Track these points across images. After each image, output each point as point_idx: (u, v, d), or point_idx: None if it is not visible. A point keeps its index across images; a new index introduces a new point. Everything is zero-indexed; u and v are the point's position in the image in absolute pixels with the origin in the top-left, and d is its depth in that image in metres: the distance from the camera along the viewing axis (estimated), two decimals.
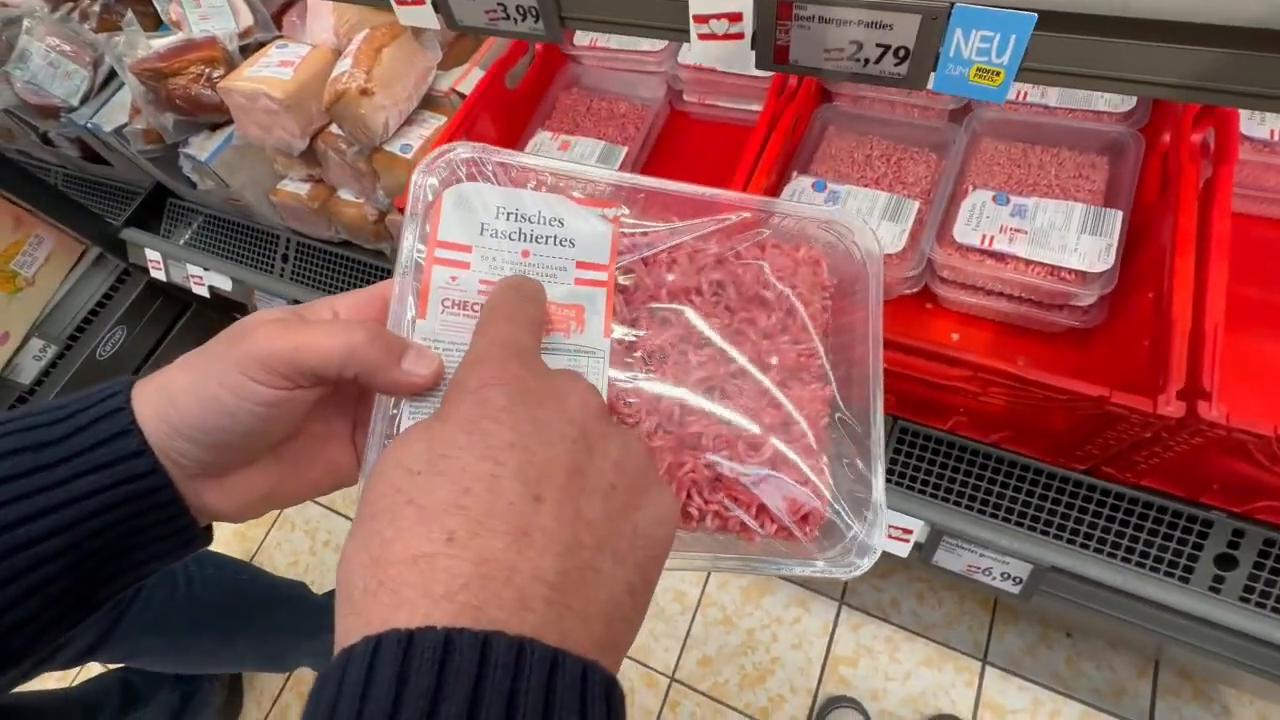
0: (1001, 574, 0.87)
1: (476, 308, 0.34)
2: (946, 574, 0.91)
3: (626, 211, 0.38)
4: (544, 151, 1.07)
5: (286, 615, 1.30)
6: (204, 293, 1.40)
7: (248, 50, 1.15)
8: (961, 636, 1.37)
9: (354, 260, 1.28)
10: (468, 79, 1.12)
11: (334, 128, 1.09)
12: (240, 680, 1.55)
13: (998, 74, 0.42)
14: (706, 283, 0.38)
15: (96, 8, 1.33)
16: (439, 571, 0.23)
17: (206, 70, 1.11)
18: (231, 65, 1.13)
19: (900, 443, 0.92)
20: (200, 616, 1.16)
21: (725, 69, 1.02)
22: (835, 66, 0.47)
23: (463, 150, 0.36)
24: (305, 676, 1.55)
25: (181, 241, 1.48)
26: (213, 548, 0.42)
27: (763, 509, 0.36)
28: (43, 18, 1.29)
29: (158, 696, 1.35)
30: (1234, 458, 0.70)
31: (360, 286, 0.36)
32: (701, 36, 0.48)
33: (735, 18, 0.46)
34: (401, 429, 0.32)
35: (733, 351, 0.37)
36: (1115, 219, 0.79)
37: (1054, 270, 0.79)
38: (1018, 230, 0.81)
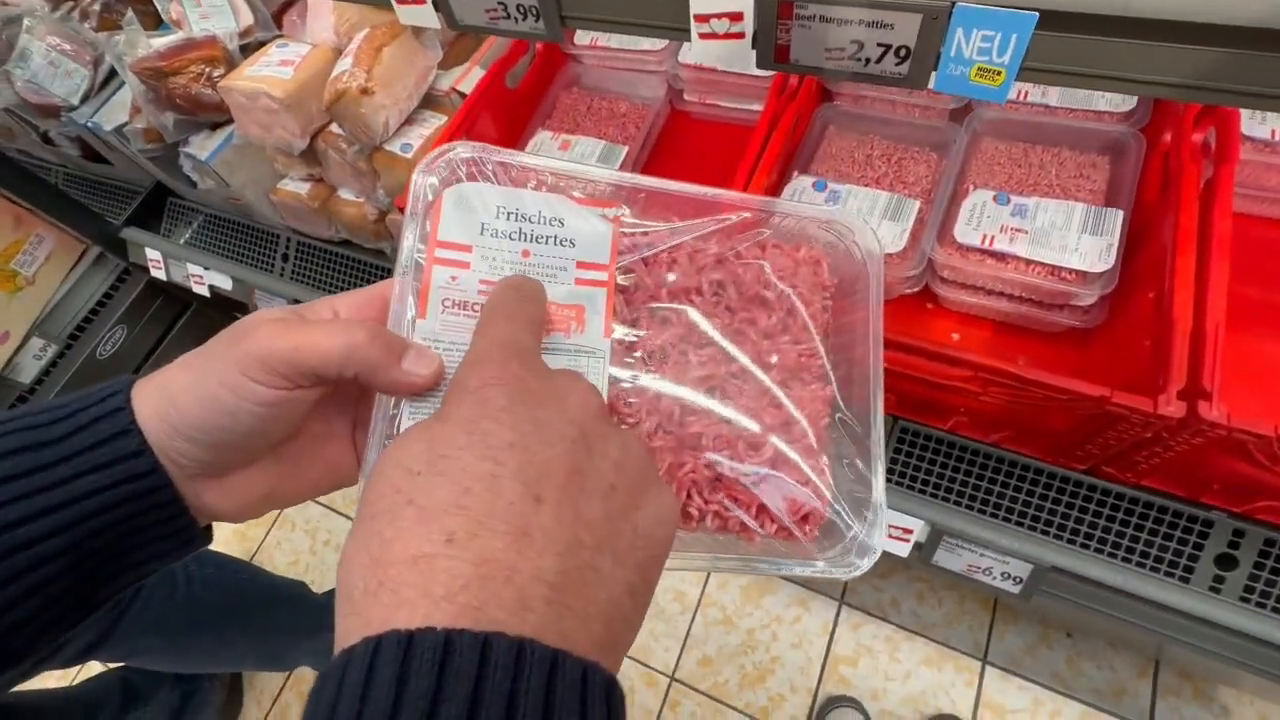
0: (1002, 574, 0.87)
1: (477, 307, 0.34)
2: (947, 574, 0.91)
3: (627, 211, 0.38)
4: (544, 151, 1.07)
5: (286, 614, 1.30)
6: (204, 292, 1.40)
7: (248, 49, 1.15)
8: (961, 636, 1.37)
9: (354, 260, 1.28)
10: (468, 78, 1.11)
11: (334, 127, 1.09)
12: (240, 679, 1.55)
13: (999, 73, 0.42)
14: (707, 283, 0.38)
15: (97, 7, 1.33)
16: (439, 572, 0.23)
17: (207, 69, 1.11)
18: (232, 64, 1.12)
19: (901, 442, 0.92)
20: (200, 616, 1.16)
21: (726, 68, 1.02)
22: (836, 66, 0.47)
23: (463, 150, 0.36)
24: (305, 676, 1.55)
25: (182, 241, 1.48)
26: (213, 547, 0.42)
27: (763, 509, 0.36)
28: (43, 17, 1.29)
29: (158, 695, 1.35)
30: (1234, 458, 0.70)
31: (360, 286, 0.36)
32: (702, 36, 0.48)
33: (736, 17, 0.46)
34: (402, 429, 0.32)
35: (733, 351, 0.37)
36: (1116, 219, 0.79)
37: (1055, 270, 0.79)
38: (1018, 230, 0.81)
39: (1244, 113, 0.77)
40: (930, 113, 0.97)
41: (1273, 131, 0.78)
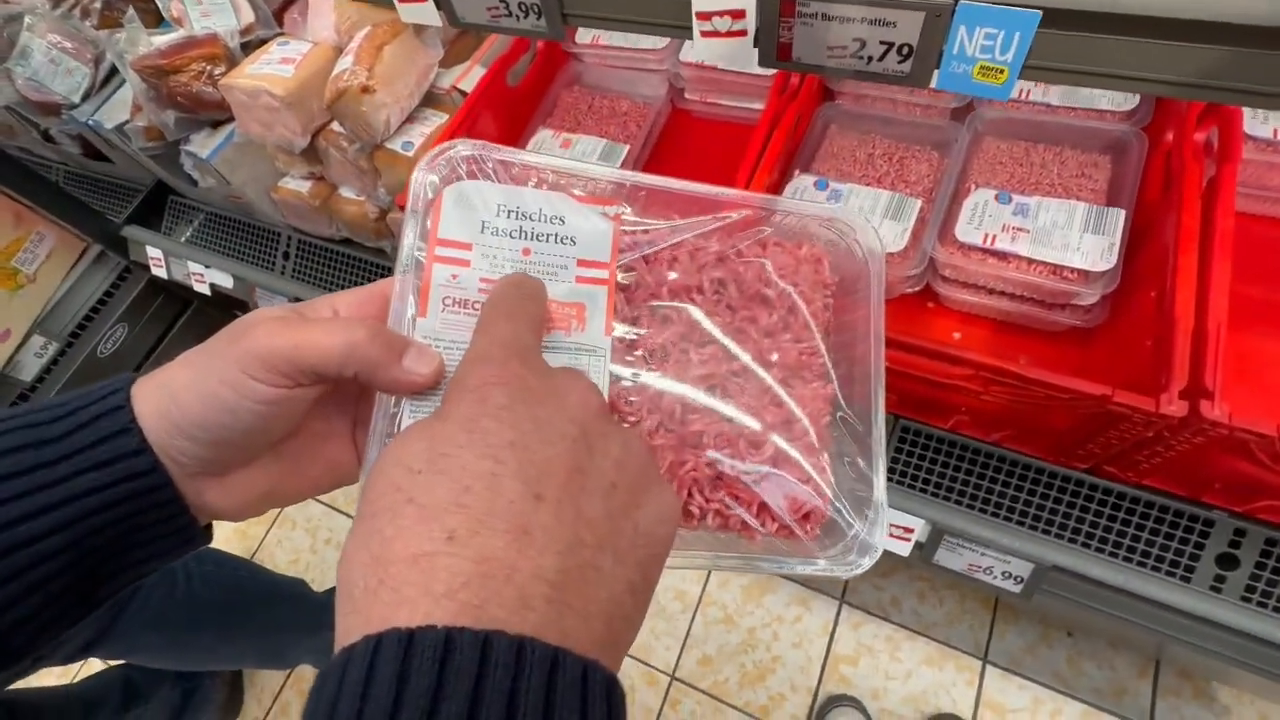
0: (1003, 573, 0.87)
1: (477, 306, 0.34)
2: (948, 573, 0.91)
3: (628, 209, 0.38)
4: (545, 149, 1.07)
5: (287, 612, 1.30)
6: (205, 290, 1.40)
7: (249, 47, 1.15)
8: (962, 635, 1.37)
9: (355, 258, 1.28)
10: (469, 76, 1.11)
11: (335, 125, 1.09)
12: (241, 677, 1.55)
13: (1001, 72, 0.42)
14: (708, 281, 0.38)
15: (98, 4, 1.33)
16: (439, 570, 0.23)
17: (208, 67, 1.11)
18: (233, 62, 1.12)
19: (902, 441, 0.92)
20: (200, 613, 1.16)
21: (728, 66, 1.02)
22: (838, 64, 0.47)
23: (463, 148, 0.36)
24: (306, 674, 1.55)
25: (182, 239, 1.48)
26: (213, 545, 0.42)
27: (764, 507, 0.36)
28: (44, 14, 1.29)
29: (158, 693, 1.35)
30: (1236, 457, 0.69)
31: (361, 284, 0.36)
32: (704, 34, 0.48)
33: (738, 14, 0.46)
34: (402, 427, 0.32)
35: (734, 349, 0.37)
36: (1118, 218, 0.79)
37: (1056, 269, 0.79)
38: (1020, 229, 0.81)
39: (1246, 112, 0.76)
40: (932, 112, 0.96)
41: (1275, 131, 0.78)
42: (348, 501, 1.75)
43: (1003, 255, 0.81)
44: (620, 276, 0.37)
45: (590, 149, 1.04)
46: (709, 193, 0.39)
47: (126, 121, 1.23)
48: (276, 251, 1.36)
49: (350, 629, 0.23)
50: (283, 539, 1.74)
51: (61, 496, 0.29)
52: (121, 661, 1.34)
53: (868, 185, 0.92)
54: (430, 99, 1.13)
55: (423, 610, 0.22)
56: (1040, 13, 0.39)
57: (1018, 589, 0.87)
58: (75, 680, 1.36)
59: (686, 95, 1.12)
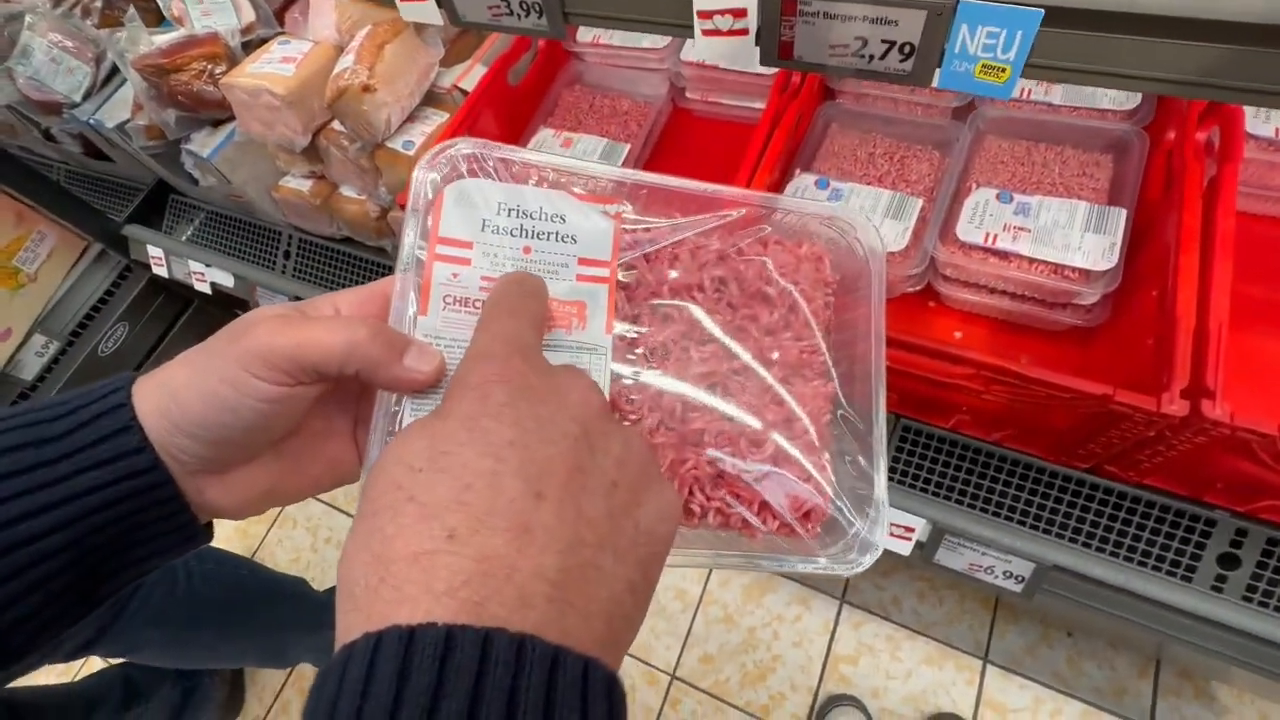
0: (1004, 572, 0.87)
1: (478, 304, 0.34)
2: (948, 572, 0.90)
3: (628, 207, 0.38)
4: (546, 148, 1.07)
5: (287, 611, 1.30)
6: (206, 289, 1.40)
7: (250, 46, 1.15)
8: (963, 635, 1.37)
9: (356, 257, 1.28)
10: (470, 76, 1.11)
11: (336, 124, 1.08)
12: (242, 676, 1.55)
13: (1003, 70, 0.42)
14: (709, 279, 0.38)
15: (99, 3, 1.33)
16: (440, 568, 0.23)
17: (209, 66, 1.11)
18: (234, 61, 1.12)
19: (903, 441, 0.92)
20: (200, 612, 1.16)
21: (729, 65, 1.02)
22: (840, 62, 0.47)
23: (464, 146, 0.36)
24: (307, 672, 1.56)
25: (183, 238, 1.48)
26: (214, 544, 0.42)
27: (765, 506, 0.36)
28: (45, 13, 1.29)
29: (159, 692, 1.35)
30: (1237, 457, 0.69)
31: (362, 283, 0.36)
32: (706, 32, 0.48)
33: (740, 13, 0.46)
34: (403, 426, 0.32)
35: (735, 348, 0.37)
36: (1119, 217, 0.79)
37: (1057, 268, 0.79)
38: (1021, 228, 0.81)
39: (1248, 111, 0.76)
40: (933, 111, 0.96)
41: (1277, 130, 0.78)
42: (348, 500, 1.75)
43: (1004, 254, 0.81)
44: (621, 275, 0.37)
45: (591, 148, 1.04)
46: (710, 191, 0.39)
47: (127, 120, 1.23)
48: (277, 250, 1.36)
49: (351, 627, 0.23)
50: (283, 538, 1.74)
51: (62, 495, 0.29)
52: (122, 660, 1.34)
53: (869, 184, 0.92)
54: (431, 98, 1.13)
55: (423, 608, 0.22)
56: (1043, 11, 0.39)
57: (1019, 588, 0.87)
58: (76, 679, 1.36)
59: (687, 94, 1.11)
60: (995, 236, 0.81)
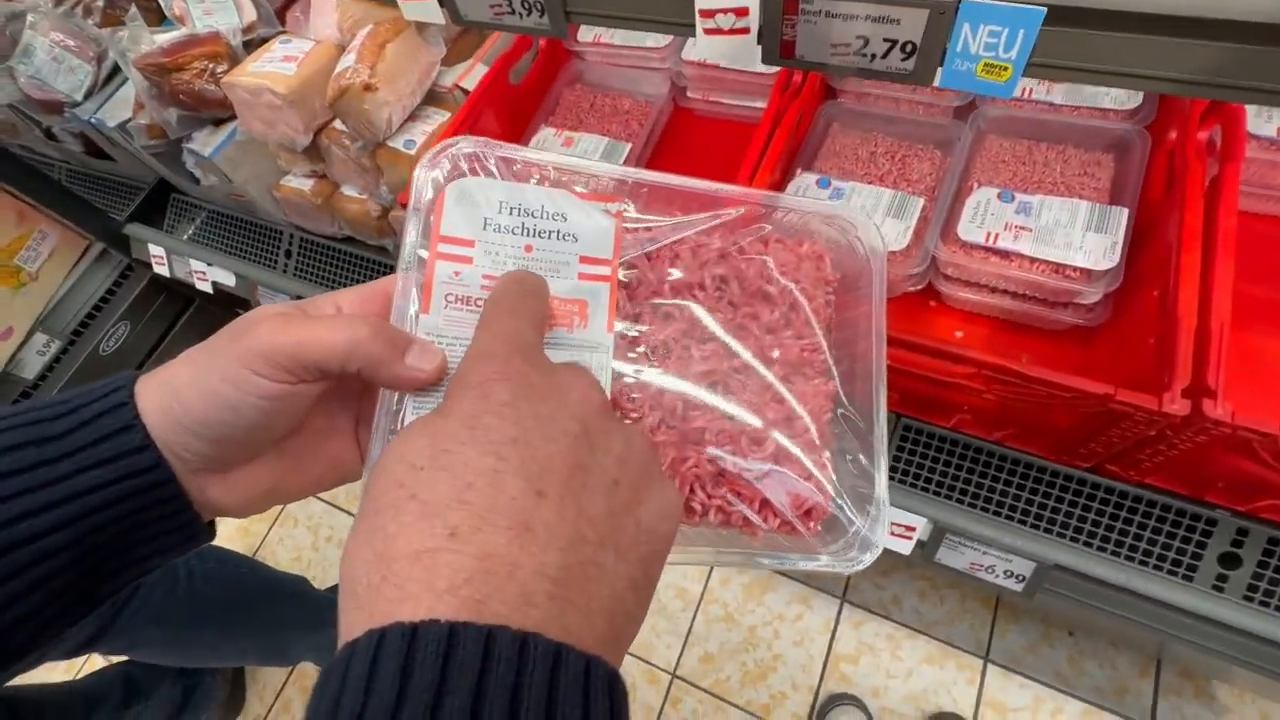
0: (1005, 572, 0.87)
1: (479, 302, 0.34)
2: (949, 571, 0.90)
3: (630, 206, 0.38)
4: (548, 148, 1.07)
5: (288, 610, 1.30)
6: (207, 288, 1.40)
7: (251, 45, 1.15)
8: (963, 634, 1.37)
9: (357, 256, 1.28)
10: (471, 75, 1.11)
11: (337, 123, 1.09)
12: (243, 674, 1.56)
13: (1005, 69, 0.42)
14: (710, 278, 0.38)
15: (100, 3, 1.33)
16: (442, 566, 0.23)
17: (210, 65, 1.11)
18: (235, 60, 1.12)
19: (904, 440, 0.92)
20: (201, 610, 1.17)
21: (730, 64, 1.02)
22: (841, 61, 0.47)
23: (465, 145, 0.36)
24: (308, 670, 1.56)
25: (185, 237, 1.48)
26: (215, 543, 0.42)
27: (766, 504, 0.36)
28: (46, 12, 1.29)
29: (160, 690, 1.36)
30: (1239, 456, 0.69)
31: (363, 282, 0.36)
32: (708, 31, 0.48)
33: (742, 12, 0.46)
34: (405, 424, 0.32)
35: (736, 346, 0.37)
36: (1120, 216, 0.79)
37: (1059, 268, 0.79)
38: (1023, 228, 0.81)
39: (1249, 110, 0.76)
40: (934, 110, 0.96)
41: (1278, 129, 0.78)
42: (349, 499, 1.76)
43: (1005, 254, 0.81)
44: (622, 273, 0.37)
45: (592, 147, 1.04)
46: (711, 189, 0.39)
47: (129, 119, 1.23)
48: (279, 250, 1.36)
49: (354, 625, 0.23)
50: (284, 537, 1.74)
51: (64, 493, 0.29)
52: (123, 659, 1.34)
53: (870, 184, 0.92)
54: (432, 97, 1.13)
55: (425, 605, 0.22)
56: (1045, 10, 0.39)
57: (1020, 588, 0.87)
58: (77, 677, 1.36)
59: (689, 94, 1.11)
60: (996, 236, 0.81)
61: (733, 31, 0.48)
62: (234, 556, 1.30)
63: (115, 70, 1.32)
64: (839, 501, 0.36)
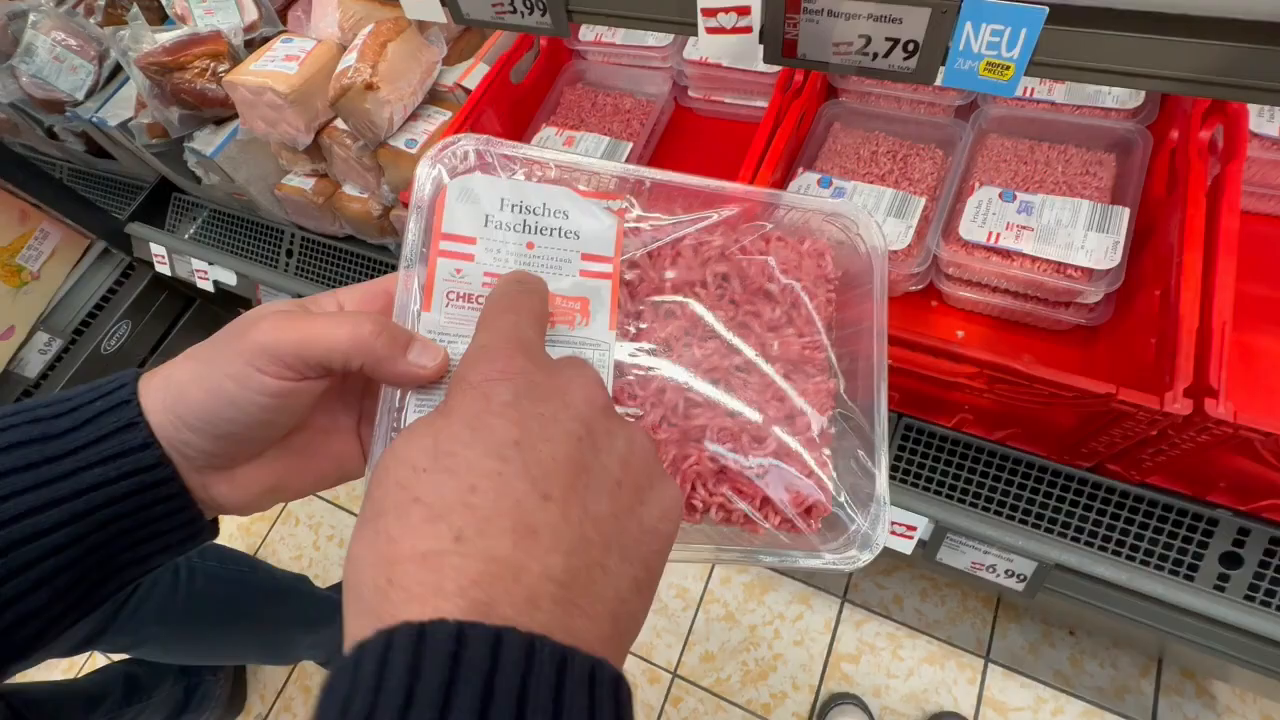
0: (1006, 571, 0.87)
1: (481, 300, 0.34)
2: (950, 571, 0.90)
3: (632, 204, 0.38)
4: (549, 147, 1.07)
5: (289, 609, 1.31)
6: (209, 287, 1.40)
7: (252, 45, 1.15)
8: (964, 634, 1.37)
9: (358, 255, 1.28)
10: (473, 74, 1.11)
11: (339, 123, 1.09)
12: (244, 673, 1.56)
13: (1008, 68, 0.42)
14: (711, 275, 0.38)
15: (102, 2, 1.33)
16: (448, 569, 0.23)
17: (212, 64, 1.11)
18: (236, 60, 1.13)
19: (905, 439, 0.92)
20: (202, 608, 1.17)
21: (732, 64, 1.02)
22: (843, 60, 0.47)
23: (467, 142, 0.36)
24: (309, 669, 1.56)
25: (186, 236, 1.48)
26: (216, 541, 0.41)
27: (767, 501, 0.36)
28: (48, 11, 1.29)
29: (161, 689, 1.36)
30: (1240, 456, 0.69)
31: (364, 281, 0.36)
32: (710, 30, 0.48)
33: (744, 11, 0.46)
34: (407, 422, 0.32)
35: (737, 344, 0.37)
36: (1122, 216, 0.78)
37: (1060, 267, 0.79)
38: (1024, 227, 0.81)
39: (1251, 110, 0.76)
40: (936, 109, 0.96)
41: None
42: (350, 498, 1.76)
43: (1007, 253, 0.81)
44: (624, 271, 0.37)
45: (593, 146, 1.04)
46: (712, 187, 0.39)
47: (130, 118, 1.23)
48: (280, 249, 1.36)
49: (361, 627, 0.23)
50: (286, 536, 1.74)
51: (67, 491, 0.30)
52: (125, 657, 1.34)
53: (871, 183, 0.91)
54: (434, 96, 1.13)
55: (432, 606, 0.22)
56: (1047, 9, 0.39)
57: (1021, 587, 0.87)
58: (80, 675, 1.37)
59: (690, 93, 1.11)
60: (998, 235, 0.81)
61: (735, 30, 0.48)
62: (235, 555, 1.30)
63: (117, 69, 1.32)
64: (840, 499, 0.36)
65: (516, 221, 0.35)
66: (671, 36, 1.08)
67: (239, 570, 1.26)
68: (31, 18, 1.27)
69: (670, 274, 0.38)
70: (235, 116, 1.15)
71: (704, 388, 0.36)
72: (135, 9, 1.22)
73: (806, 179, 0.93)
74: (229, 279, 1.36)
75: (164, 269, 1.46)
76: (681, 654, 1.45)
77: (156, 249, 1.44)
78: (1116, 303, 0.80)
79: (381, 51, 1.00)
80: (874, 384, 0.37)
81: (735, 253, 0.39)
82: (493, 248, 0.35)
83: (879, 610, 1.42)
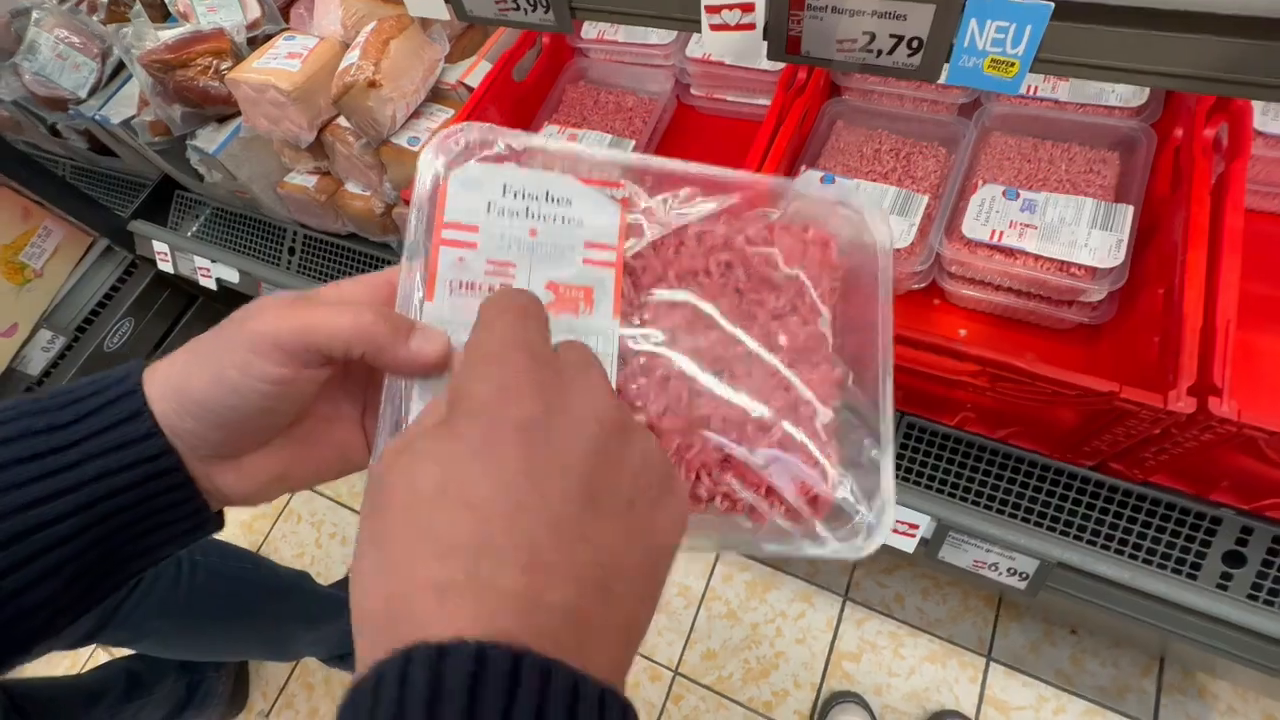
0: (1008, 570, 0.87)
1: (484, 288, 0.34)
2: (952, 570, 0.90)
3: (635, 190, 0.38)
4: None
5: (290, 605, 1.31)
6: (211, 285, 1.40)
7: (255, 42, 1.15)
8: (966, 633, 1.37)
9: (361, 253, 1.29)
10: (475, 72, 1.11)
11: (341, 120, 1.09)
12: (246, 670, 1.56)
13: (1012, 65, 0.42)
14: (715, 264, 0.38)
15: None
16: (461, 600, 0.22)
17: (214, 62, 1.12)
18: (239, 57, 1.13)
19: (907, 438, 0.92)
20: (203, 604, 1.17)
21: (736, 61, 1.02)
22: (847, 57, 0.47)
23: (470, 131, 0.36)
24: (311, 667, 1.56)
25: (189, 234, 1.48)
26: (218, 538, 0.42)
27: (771, 490, 0.36)
28: (51, 9, 1.29)
29: (163, 685, 1.36)
30: (1244, 454, 0.69)
31: None
32: (713, 27, 0.48)
33: (748, 7, 0.46)
34: (411, 414, 0.32)
35: (741, 333, 0.37)
36: (1126, 214, 0.78)
37: (1064, 265, 0.79)
38: (1027, 225, 0.81)
39: (1256, 108, 0.76)
40: (939, 107, 0.96)
41: None
42: (352, 496, 1.76)
43: (1010, 251, 0.81)
44: (628, 259, 0.37)
45: (596, 144, 1.04)
46: (717, 175, 0.39)
47: (133, 116, 1.23)
48: (282, 246, 1.36)
49: (375, 652, 0.22)
50: (288, 533, 1.74)
51: (72, 481, 0.30)
52: (127, 654, 1.35)
53: (874, 181, 0.91)
54: (436, 94, 1.13)
55: (451, 631, 0.22)
56: (1052, 5, 0.39)
57: (1023, 586, 0.87)
58: (82, 671, 1.37)
59: (692, 91, 1.11)
60: (1001, 233, 0.81)
61: (739, 27, 0.48)
62: (237, 551, 1.30)
63: (120, 67, 1.32)
64: (845, 488, 0.36)
65: (519, 208, 0.35)
66: (674, 34, 1.08)
67: (240, 566, 1.26)
68: (34, 15, 1.27)
69: (674, 262, 0.38)
70: (238, 114, 1.15)
71: (708, 377, 0.36)
72: (138, 6, 1.22)
73: (809, 177, 0.93)
74: (231, 277, 1.36)
75: (166, 267, 1.46)
76: (683, 652, 1.45)
77: (159, 247, 1.45)
78: (1120, 301, 0.80)
79: (384, 49, 1.00)
80: (879, 372, 0.37)
81: (739, 241, 0.39)
82: (495, 235, 0.35)
83: (880, 609, 1.42)
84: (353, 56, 1.00)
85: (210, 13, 1.16)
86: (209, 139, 1.19)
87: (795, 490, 0.36)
